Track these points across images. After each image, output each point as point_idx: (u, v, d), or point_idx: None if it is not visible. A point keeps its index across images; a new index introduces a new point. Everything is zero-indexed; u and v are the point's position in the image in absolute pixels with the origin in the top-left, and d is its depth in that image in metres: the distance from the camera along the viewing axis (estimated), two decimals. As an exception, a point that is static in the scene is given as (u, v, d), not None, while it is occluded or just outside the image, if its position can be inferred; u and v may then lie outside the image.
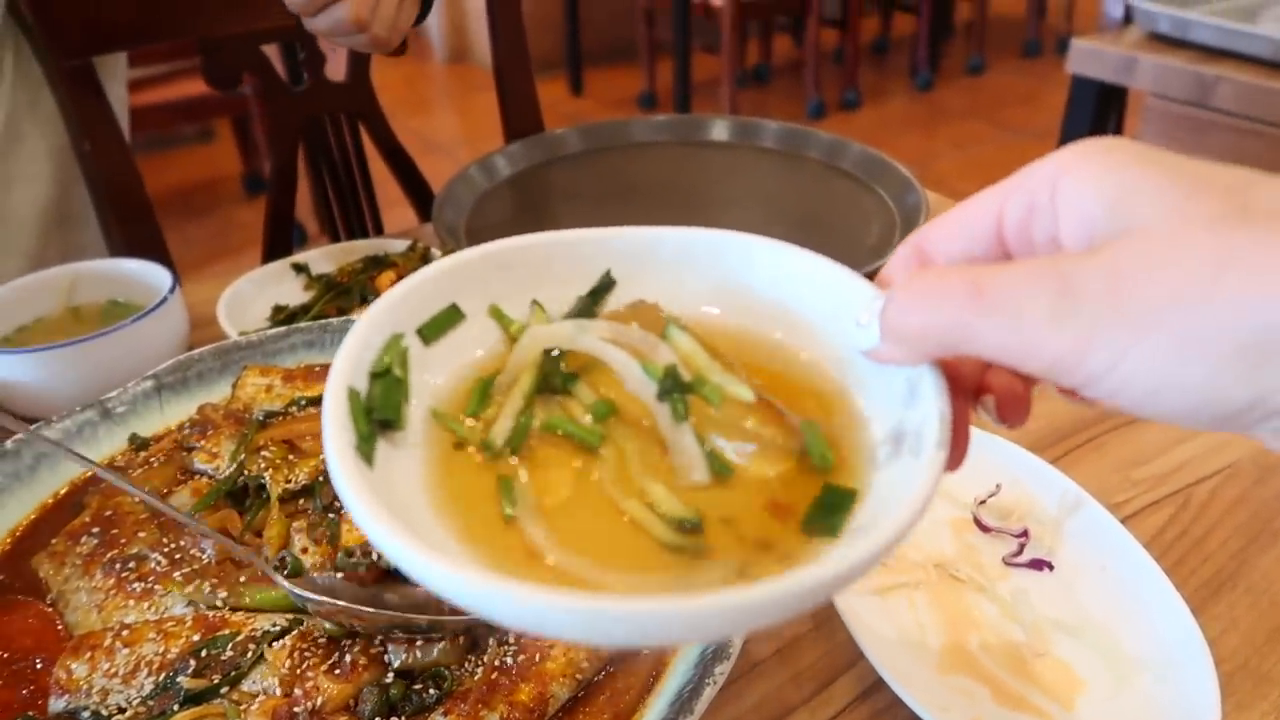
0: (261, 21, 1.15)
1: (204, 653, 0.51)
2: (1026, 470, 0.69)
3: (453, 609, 0.49)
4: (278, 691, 0.50)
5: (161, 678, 0.50)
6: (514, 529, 0.33)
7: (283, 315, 0.94)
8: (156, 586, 0.56)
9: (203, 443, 0.66)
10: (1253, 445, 0.78)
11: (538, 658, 0.50)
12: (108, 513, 0.60)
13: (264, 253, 1.28)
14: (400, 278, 0.97)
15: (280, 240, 1.28)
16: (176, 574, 0.56)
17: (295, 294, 1.00)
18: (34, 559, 0.59)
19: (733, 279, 0.40)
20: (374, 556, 0.54)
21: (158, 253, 1.12)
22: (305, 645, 0.51)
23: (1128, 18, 1.76)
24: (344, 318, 0.79)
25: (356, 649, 0.51)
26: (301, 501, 0.62)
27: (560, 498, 0.34)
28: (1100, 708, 0.54)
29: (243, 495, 0.63)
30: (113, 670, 0.51)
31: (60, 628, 0.56)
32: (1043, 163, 0.31)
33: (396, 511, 0.30)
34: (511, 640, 0.52)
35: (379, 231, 1.40)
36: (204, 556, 0.57)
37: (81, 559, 0.57)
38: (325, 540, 0.57)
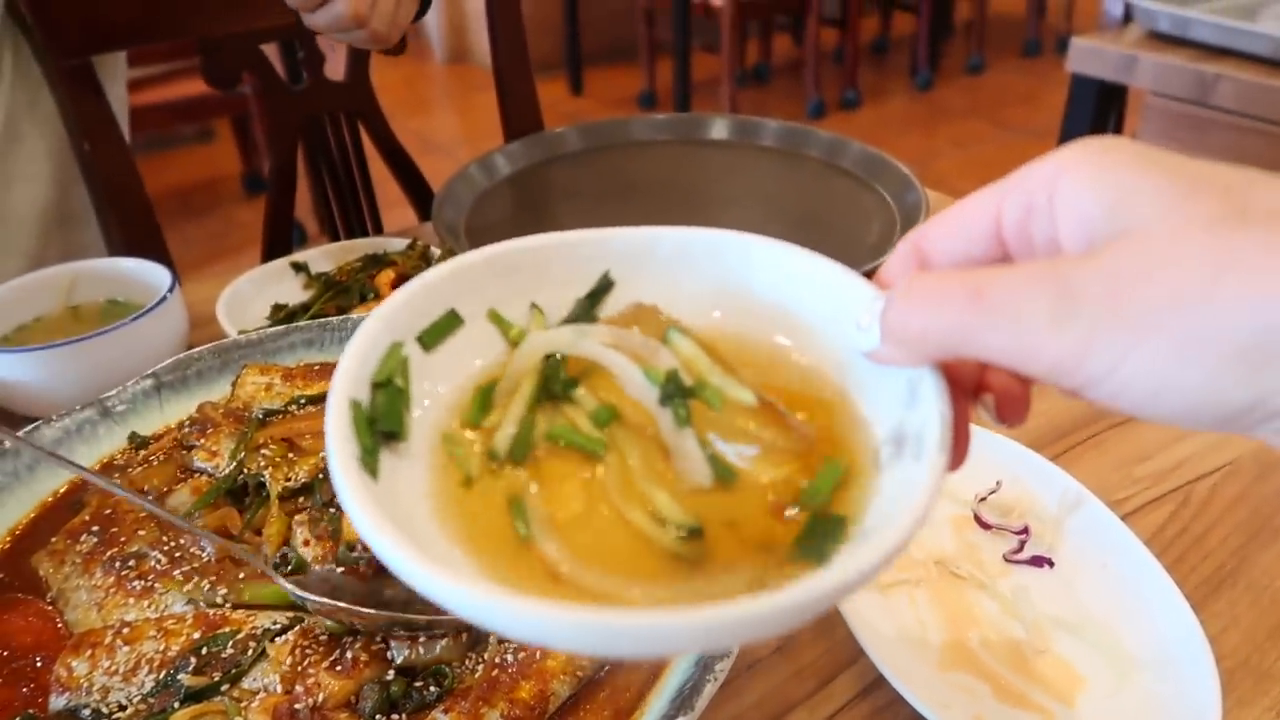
0: (261, 21, 1.15)
1: (204, 650, 0.51)
2: (1027, 467, 0.69)
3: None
4: (278, 689, 0.50)
5: (162, 675, 0.50)
6: (523, 541, 0.33)
7: (282, 314, 0.94)
8: (156, 584, 0.56)
9: (202, 441, 0.66)
10: (1253, 442, 0.78)
11: (539, 655, 0.50)
12: (107, 511, 0.60)
13: (263, 252, 1.28)
14: (400, 276, 0.97)
15: (280, 240, 1.28)
16: (176, 572, 0.56)
17: (294, 293, 1.00)
18: (34, 557, 0.59)
19: (732, 279, 0.40)
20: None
21: (157, 252, 1.12)
22: (306, 642, 0.51)
23: (1128, 16, 1.77)
24: (343, 316, 0.79)
25: (358, 646, 0.51)
26: (301, 499, 0.62)
27: (571, 511, 0.34)
28: (1101, 705, 0.54)
29: (242, 493, 0.63)
30: (113, 668, 0.51)
31: (60, 626, 0.56)
32: (1041, 163, 0.31)
33: (401, 524, 0.30)
34: (512, 638, 0.52)
35: (378, 231, 1.40)
36: (204, 555, 0.57)
37: (81, 557, 0.57)
38: (327, 536, 0.57)
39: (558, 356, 0.38)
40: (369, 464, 0.33)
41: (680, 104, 4.27)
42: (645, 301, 0.40)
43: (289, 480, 0.62)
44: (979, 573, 0.63)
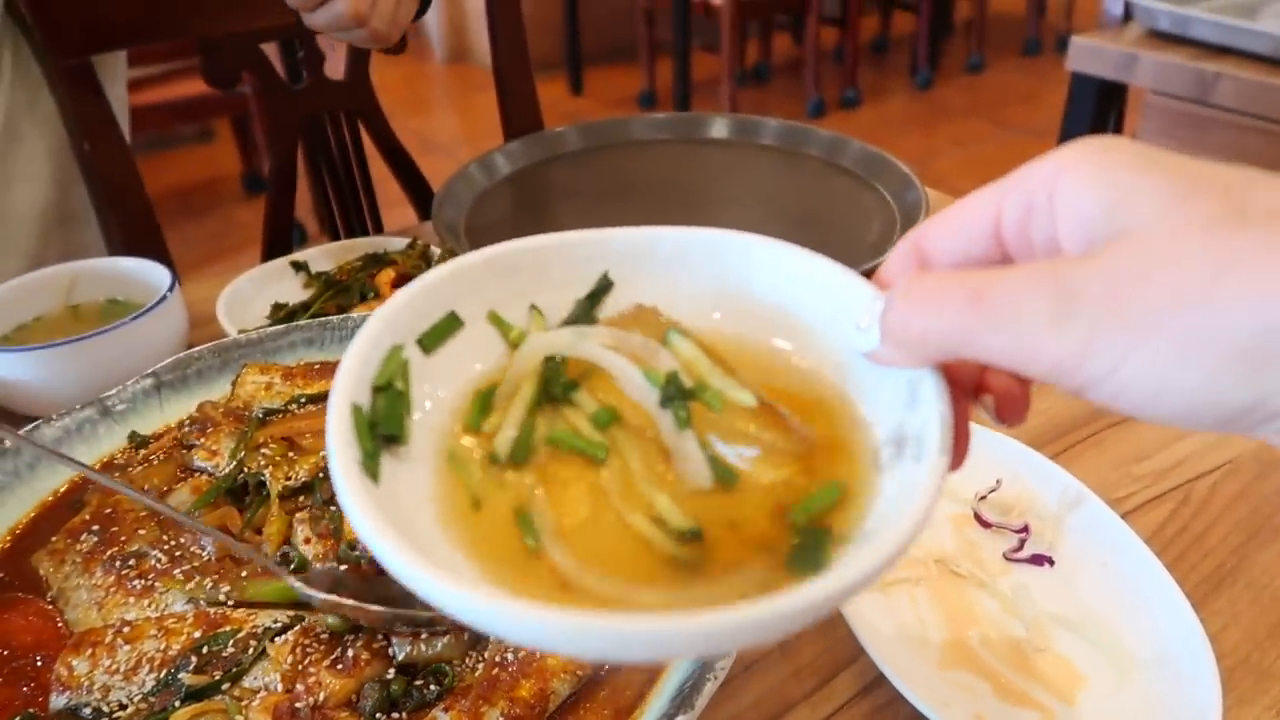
0: (260, 20, 1.15)
1: (205, 649, 0.51)
2: (1027, 466, 0.69)
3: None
4: (279, 687, 0.50)
5: (163, 674, 0.50)
6: (530, 550, 0.33)
7: (282, 313, 0.94)
8: (157, 584, 0.56)
9: (202, 440, 0.66)
10: (1253, 441, 0.78)
11: (539, 654, 0.50)
12: (107, 510, 0.60)
13: (263, 251, 1.28)
14: (400, 275, 0.97)
15: (280, 239, 1.28)
16: (176, 571, 0.56)
17: (294, 292, 1.00)
18: (34, 557, 0.59)
19: (731, 279, 0.40)
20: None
21: (157, 252, 1.12)
22: (308, 641, 0.51)
23: (1128, 15, 1.76)
24: (343, 315, 0.79)
25: (359, 644, 0.51)
26: (301, 498, 0.62)
27: (575, 516, 0.34)
28: (1101, 703, 0.54)
29: (242, 492, 0.63)
30: (114, 667, 0.51)
31: (60, 625, 0.56)
32: (1040, 162, 0.31)
33: (403, 528, 0.30)
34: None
35: (379, 230, 1.40)
36: (204, 554, 0.57)
37: (81, 557, 0.57)
38: (328, 534, 0.57)
39: (558, 359, 0.38)
40: (370, 468, 0.33)
41: (680, 103, 4.27)
42: (645, 302, 0.40)
43: (289, 479, 0.62)
44: (979, 571, 0.63)
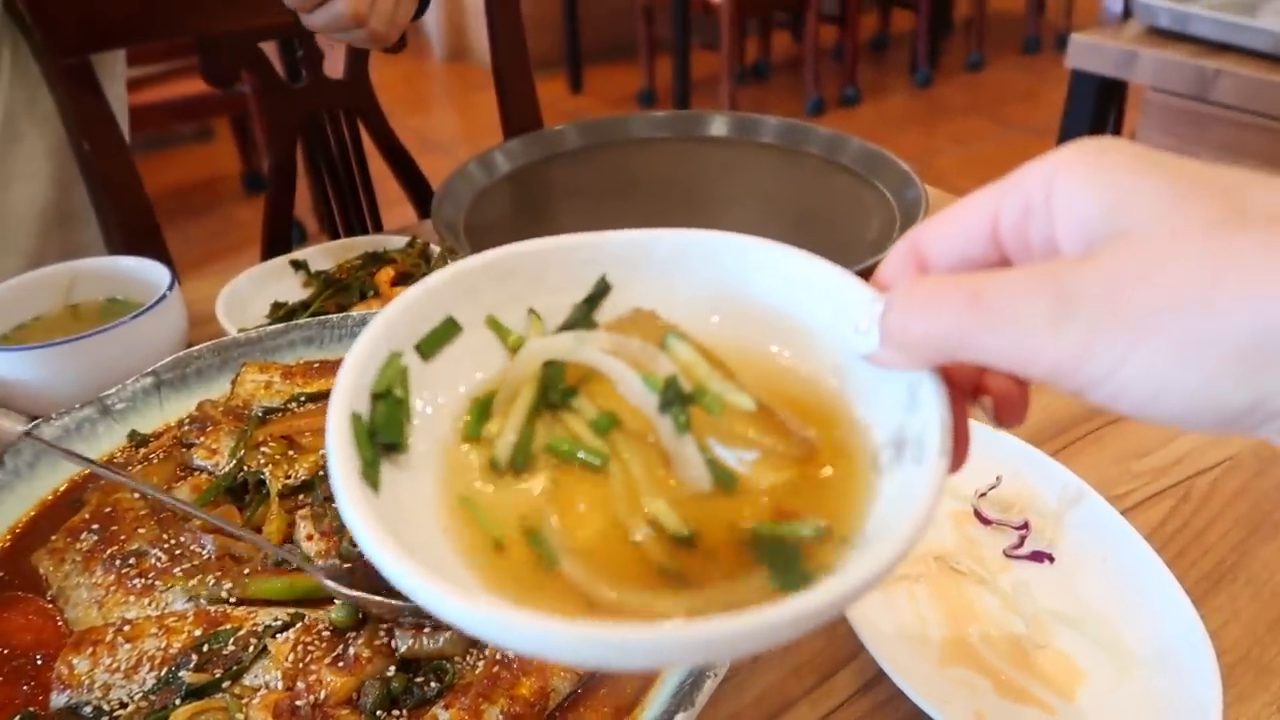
0: (259, 19, 1.15)
1: (206, 647, 0.51)
2: (1027, 463, 0.69)
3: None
4: (280, 685, 0.50)
5: (163, 672, 0.50)
6: (528, 553, 0.33)
7: (282, 312, 0.94)
8: (157, 582, 0.56)
9: (202, 439, 0.66)
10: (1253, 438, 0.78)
11: (539, 652, 0.50)
12: (107, 509, 0.60)
13: (263, 250, 1.28)
14: (399, 274, 0.97)
15: (279, 238, 1.28)
16: (177, 570, 0.56)
17: (294, 291, 1.00)
18: (34, 556, 0.59)
19: (729, 281, 0.40)
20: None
21: (157, 252, 1.12)
22: (308, 639, 0.51)
23: (1127, 12, 1.76)
24: (343, 314, 0.79)
25: (360, 641, 0.51)
26: (301, 496, 0.62)
27: (581, 525, 0.34)
28: (1102, 699, 0.54)
29: (242, 491, 0.63)
30: (114, 665, 0.51)
31: (60, 624, 0.56)
32: (1038, 163, 0.31)
33: (404, 536, 0.30)
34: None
35: (378, 229, 1.40)
36: (204, 552, 0.57)
37: (81, 555, 0.57)
38: (331, 531, 0.57)
39: (557, 364, 0.38)
40: (370, 476, 0.33)
41: (680, 101, 4.27)
42: (643, 306, 0.40)
43: (289, 477, 0.62)
44: (979, 568, 0.63)
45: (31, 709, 0.50)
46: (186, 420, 0.68)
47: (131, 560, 0.57)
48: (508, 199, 1.16)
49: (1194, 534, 0.69)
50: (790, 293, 0.39)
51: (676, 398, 0.36)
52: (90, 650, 0.51)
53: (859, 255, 0.93)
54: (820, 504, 0.34)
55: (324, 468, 0.62)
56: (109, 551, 0.57)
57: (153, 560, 0.57)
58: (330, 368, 0.73)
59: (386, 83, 1.57)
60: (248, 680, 0.50)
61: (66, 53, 1.03)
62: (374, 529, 0.29)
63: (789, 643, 0.33)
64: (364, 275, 0.98)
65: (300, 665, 0.50)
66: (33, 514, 0.63)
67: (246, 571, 0.56)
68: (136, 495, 0.61)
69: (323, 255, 1.05)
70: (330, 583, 0.53)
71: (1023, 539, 0.65)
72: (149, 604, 0.55)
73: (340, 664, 0.50)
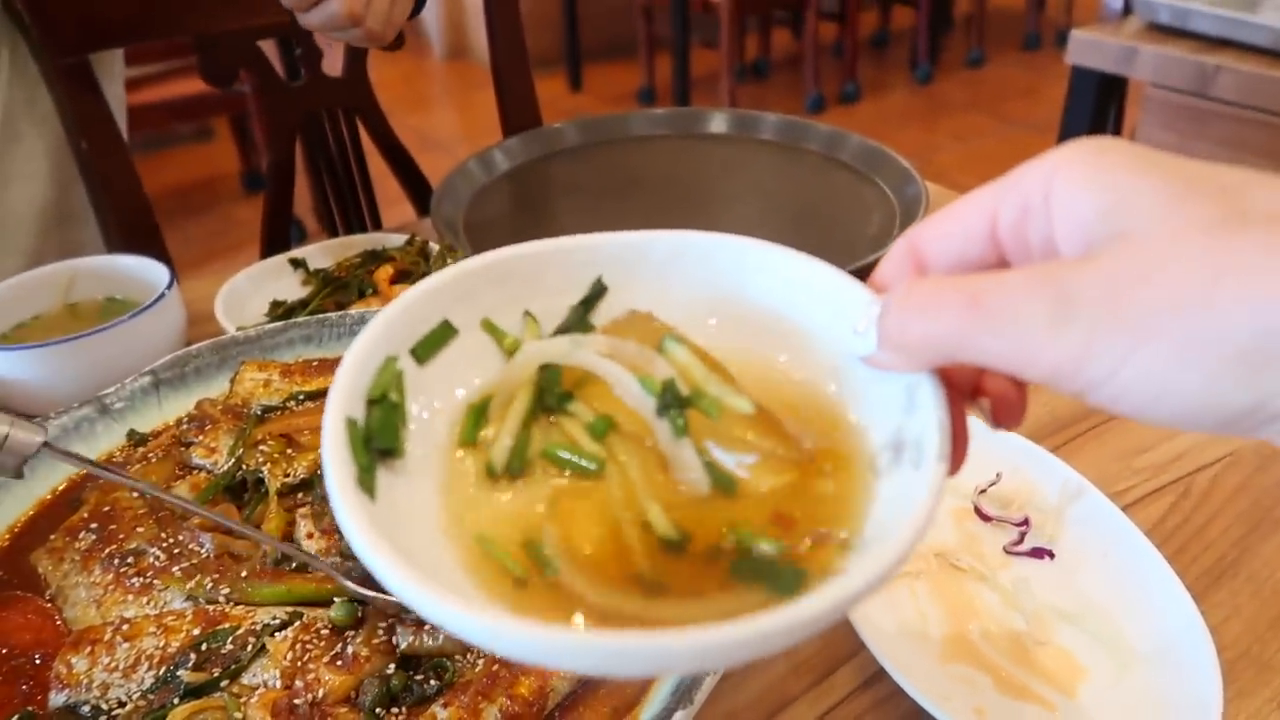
0: (257, 17, 1.15)
1: (204, 646, 0.51)
2: (1027, 459, 0.69)
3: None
4: (278, 684, 0.50)
5: (162, 671, 0.50)
6: (529, 560, 0.33)
7: (280, 310, 0.94)
8: (155, 581, 0.56)
9: (201, 438, 0.66)
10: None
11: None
12: (106, 508, 0.60)
13: (262, 249, 1.28)
14: (398, 271, 0.97)
15: (279, 236, 1.28)
16: (175, 569, 0.56)
17: (293, 289, 1.00)
18: (32, 555, 0.59)
19: (726, 283, 0.40)
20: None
21: (156, 251, 1.12)
22: (307, 637, 0.51)
23: (1127, 8, 1.76)
24: (342, 312, 0.79)
25: (358, 640, 0.51)
26: (300, 495, 0.62)
27: (580, 531, 0.34)
28: (1102, 696, 0.54)
29: (241, 490, 0.63)
30: (113, 664, 0.51)
31: (59, 623, 0.56)
32: (1036, 163, 0.31)
33: (401, 543, 0.30)
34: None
35: (377, 228, 1.40)
36: (203, 550, 0.57)
37: (80, 555, 0.57)
38: (332, 529, 0.57)
39: (554, 367, 0.38)
40: (366, 483, 0.32)
41: (679, 99, 4.26)
42: (639, 308, 0.40)
43: (288, 476, 0.62)
44: (979, 565, 0.62)
45: (30, 708, 0.50)
46: (185, 419, 0.68)
47: (130, 559, 0.57)
48: (507, 197, 1.16)
49: (1194, 530, 0.69)
50: (787, 294, 0.39)
51: (674, 401, 0.36)
52: (89, 649, 0.51)
53: (859, 252, 0.93)
54: (819, 507, 0.34)
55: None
56: (107, 550, 0.57)
57: (151, 559, 0.57)
58: (329, 366, 0.73)
59: (386, 81, 1.57)
60: (246, 679, 0.50)
61: (65, 52, 1.03)
62: (369, 536, 0.29)
63: (794, 646, 0.33)
64: (363, 273, 0.98)
65: (298, 664, 0.50)
66: (31, 513, 0.63)
67: (245, 573, 0.56)
68: (135, 494, 0.61)
69: (321, 253, 1.05)
70: (336, 574, 0.53)
71: (1023, 535, 0.65)
72: (147, 603, 0.55)
73: (339, 662, 0.49)
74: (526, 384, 0.37)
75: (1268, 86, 1.51)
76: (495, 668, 0.50)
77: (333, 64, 1.25)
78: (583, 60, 4.88)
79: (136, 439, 0.68)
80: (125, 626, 0.52)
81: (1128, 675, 0.55)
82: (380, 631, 0.51)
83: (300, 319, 0.78)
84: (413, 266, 0.99)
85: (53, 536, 0.59)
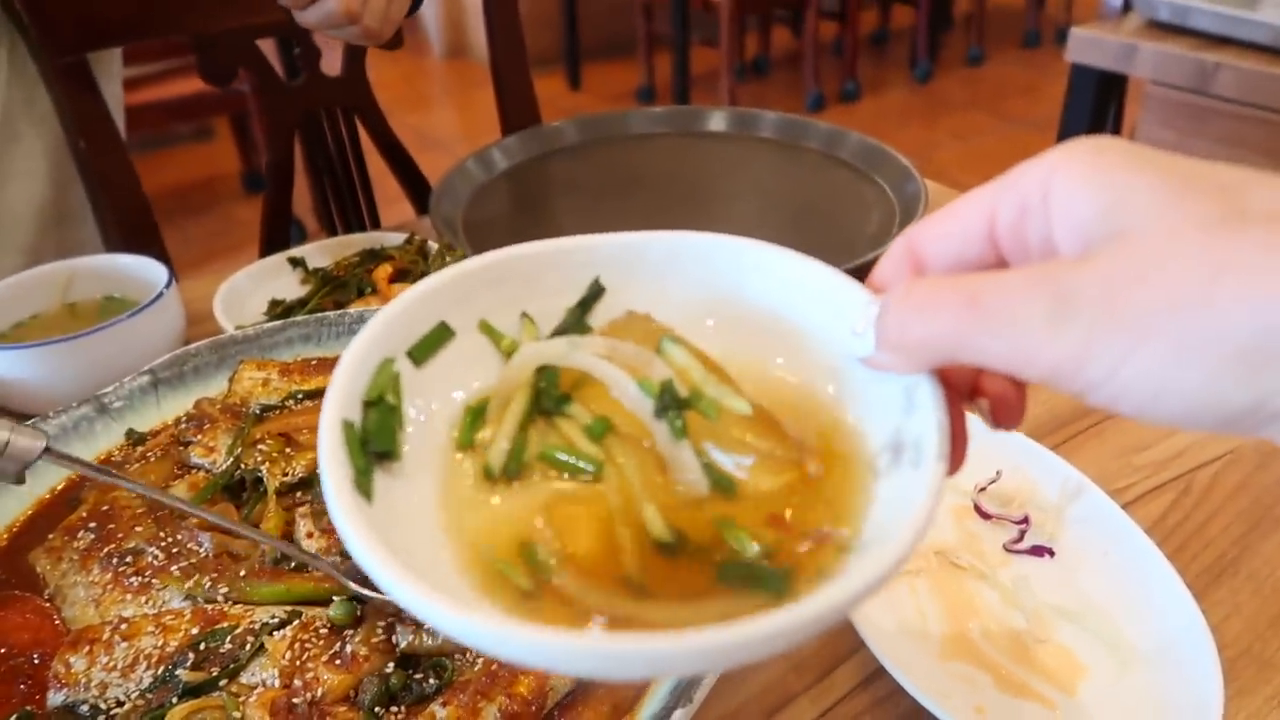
0: (256, 16, 1.15)
1: (203, 645, 0.51)
2: (1027, 457, 0.69)
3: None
4: (277, 683, 0.50)
5: (160, 671, 0.50)
6: (527, 564, 0.33)
7: (279, 309, 0.94)
8: (154, 580, 0.56)
9: (199, 437, 0.65)
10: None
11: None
12: (104, 508, 0.60)
13: (261, 248, 1.28)
14: (396, 270, 0.97)
15: (278, 236, 1.28)
16: (174, 568, 0.56)
17: (292, 288, 1.00)
18: (31, 554, 0.59)
19: (723, 284, 0.40)
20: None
21: (155, 250, 1.12)
22: (305, 636, 0.51)
23: (1127, 6, 1.76)
24: (340, 311, 0.79)
25: (357, 639, 0.51)
26: (299, 494, 0.61)
27: (578, 535, 0.34)
28: (1102, 694, 0.54)
29: (240, 489, 0.63)
30: (111, 664, 0.51)
31: (58, 623, 0.55)
32: (1035, 163, 0.31)
33: (398, 545, 0.30)
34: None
35: (376, 227, 1.40)
36: (201, 550, 0.57)
37: (78, 554, 0.57)
38: (332, 528, 0.57)
39: (552, 369, 0.37)
40: (363, 485, 0.32)
41: (679, 98, 4.26)
42: (637, 309, 0.39)
43: (286, 475, 0.62)
44: (979, 563, 0.62)
45: (29, 708, 0.50)
46: (184, 418, 0.68)
47: (129, 558, 0.57)
48: (506, 195, 1.15)
49: (1195, 528, 0.69)
50: (785, 295, 0.39)
51: (672, 402, 0.35)
52: (87, 649, 0.51)
53: (859, 250, 0.93)
54: (818, 508, 0.34)
55: (321, 465, 0.62)
56: (106, 550, 0.57)
57: (150, 558, 0.57)
58: (328, 365, 0.73)
59: (385, 80, 1.57)
60: (245, 678, 0.50)
61: (63, 51, 1.03)
62: (366, 539, 0.29)
63: (793, 648, 0.33)
64: (361, 272, 0.98)
65: (297, 663, 0.50)
66: (30, 513, 0.63)
67: (243, 572, 0.56)
68: (135, 493, 0.61)
69: (320, 252, 1.04)
70: (335, 573, 0.53)
71: (1023, 533, 0.64)
72: (146, 602, 0.55)
73: (337, 661, 0.49)
74: (524, 386, 0.37)
75: (1267, 84, 1.50)
76: (494, 667, 0.50)
77: (331, 63, 1.25)
78: (582, 59, 4.88)
79: (135, 438, 0.68)
80: (124, 626, 0.52)
81: (1128, 673, 0.55)
82: (379, 630, 0.51)
83: (299, 318, 0.78)
84: (411, 265, 0.98)
85: (51, 536, 0.59)
